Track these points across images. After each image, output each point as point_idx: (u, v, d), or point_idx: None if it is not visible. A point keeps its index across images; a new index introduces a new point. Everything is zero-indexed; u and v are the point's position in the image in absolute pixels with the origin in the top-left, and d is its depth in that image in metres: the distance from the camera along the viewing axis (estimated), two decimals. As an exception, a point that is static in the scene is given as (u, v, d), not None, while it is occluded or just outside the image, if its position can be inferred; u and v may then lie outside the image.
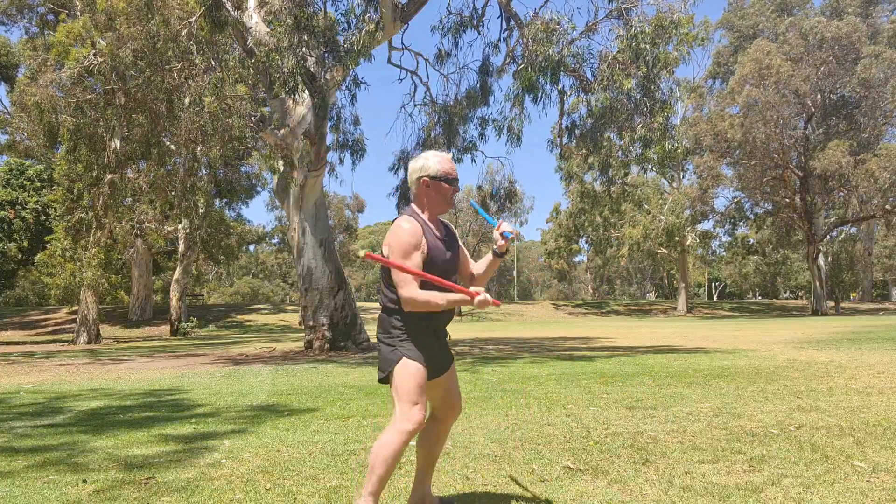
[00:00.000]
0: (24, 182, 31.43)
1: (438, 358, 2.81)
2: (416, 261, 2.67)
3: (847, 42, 33.55)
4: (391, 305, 2.76)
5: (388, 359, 2.73)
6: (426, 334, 2.76)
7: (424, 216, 2.82)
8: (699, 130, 36.27)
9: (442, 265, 2.77)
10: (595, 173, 16.47)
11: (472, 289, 2.66)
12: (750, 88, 33.76)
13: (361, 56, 12.97)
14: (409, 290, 2.63)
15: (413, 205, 2.88)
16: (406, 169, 17.58)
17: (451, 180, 2.84)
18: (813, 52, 34.12)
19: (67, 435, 5.03)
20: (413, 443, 2.92)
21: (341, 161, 17.52)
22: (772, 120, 33.77)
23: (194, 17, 13.76)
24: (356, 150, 16.50)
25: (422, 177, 2.82)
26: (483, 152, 17.17)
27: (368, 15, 12.88)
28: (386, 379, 2.76)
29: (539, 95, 13.82)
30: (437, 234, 2.83)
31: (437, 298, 2.64)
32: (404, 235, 2.69)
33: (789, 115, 34.93)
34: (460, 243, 3.00)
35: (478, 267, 2.97)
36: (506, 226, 2.85)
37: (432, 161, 2.83)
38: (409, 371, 2.68)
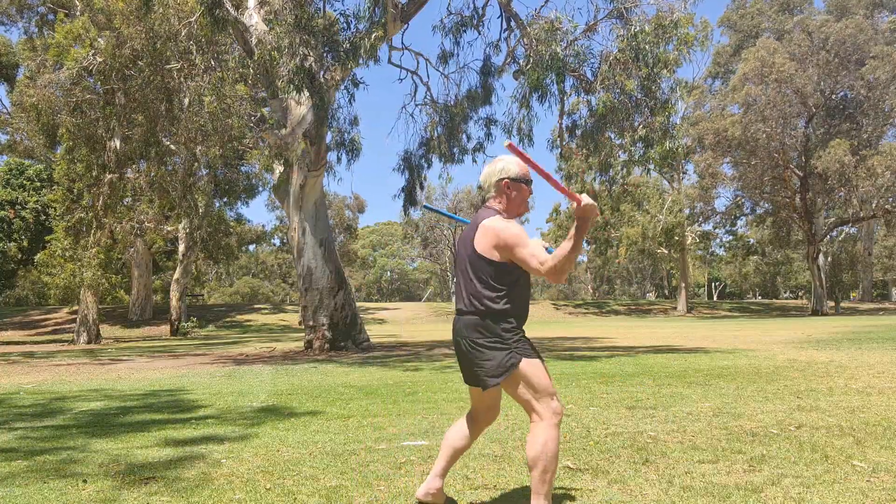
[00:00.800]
0: (24, 182, 31.44)
1: None
2: (535, 244, 2.72)
3: (852, 43, 33.53)
4: (497, 307, 2.74)
5: (505, 363, 2.73)
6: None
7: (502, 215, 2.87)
8: (699, 129, 36.27)
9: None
10: (595, 173, 16.48)
11: (577, 196, 2.62)
12: (751, 86, 33.74)
13: (370, 57, 12.99)
14: (548, 259, 2.61)
15: (492, 205, 2.88)
16: (409, 169, 17.54)
17: (529, 182, 2.90)
18: (817, 51, 34.10)
19: (67, 435, 5.03)
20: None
21: (339, 160, 17.50)
22: (772, 118, 33.76)
23: (194, 17, 13.76)
24: (351, 149, 16.49)
25: (503, 178, 2.85)
26: (485, 153, 17.16)
27: (375, 16, 12.86)
28: (487, 383, 2.77)
29: (545, 95, 13.85)
30: None
31: (567, 247, 2.59)
32: (513, 227, 2.73)
33: (790, 115, 34.93)
34: None
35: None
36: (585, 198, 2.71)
37: (513, 164, 2.87)
38: (536, 367, 2.76)
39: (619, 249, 45.25)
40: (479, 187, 2.95)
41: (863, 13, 37.30)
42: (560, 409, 2.79)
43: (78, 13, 19.88)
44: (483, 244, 2.75)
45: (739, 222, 43.01)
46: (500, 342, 2.74)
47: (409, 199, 17.19)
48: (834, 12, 38.60)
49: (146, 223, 29.34)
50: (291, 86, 12.61)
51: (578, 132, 15.24)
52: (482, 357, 2.76)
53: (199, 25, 13.68)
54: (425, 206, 3.12)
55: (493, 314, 2.75)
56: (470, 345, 2.78)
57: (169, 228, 30.56)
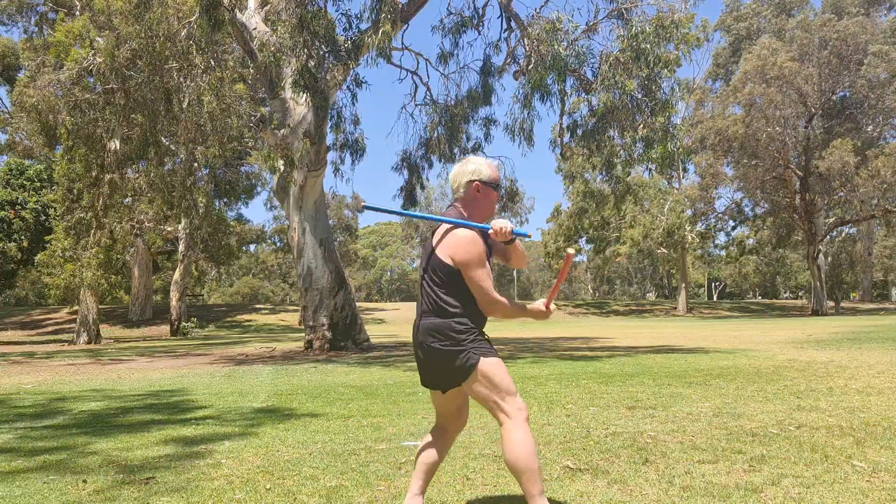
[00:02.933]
0: (24, 182, 31.43)
1: None
2: (488, 268, 2.73)
3: (853, 42, 33.51)
4: (452, 310, 2.69)
5: (462, 365, 2.66)
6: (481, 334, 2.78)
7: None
8: (700, 129, 36.27)
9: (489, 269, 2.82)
10: (596, 174, 16.48)
11: (539, 302, 2.81)
12: (752, 86, 33.73)
13: (380, 54, 12.98)
14: (496, 294, 2.71)
15: (458, 207, 2.82)
16: (409, 170, 17.51)
17: (499, 188, 2.88)
18: (818, 50, 34.08)
19: (67, 435, 5.03)
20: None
21: (342, 160, 17.50)
22: (773, 118, 33.75)
23: (193, 17, 13.76)
24: (355, 149, 16.50)
25: (474, 180, 2.79)
26: (485, 153, 17.16)
27: (385, 15, 12.83)
28: (454, 384, 2.72)
29: (546, 95, 13.85)
30: None
31: (515, 306, 2.78)
32: (478, 246, 2.68)
33: (791, 115, 34.92)
34: None
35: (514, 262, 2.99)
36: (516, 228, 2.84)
37: (485, 166, 2.83)
38: (495, 365, 2.68)
39: (621, 249, 45.27)
40: (454, 190, 2.85)
41: (856, 10, 37.27)
42: (524, 405, 2.69)
43: (77, 13, 19.89)
44: (445, 252, 2.69)
45: (739, 223, 42.96)
46: (452, 343, 2.68)
47: (409, 199, 17.18)
48: (827, 12, 38.59)
49: (146, 223, 29.34)
50: (297, 87, 12.62)
51: (579, 132, 15.24)
52: (437, 360, 2.70)
53: (197, 26, 13.68)
54: (365, 206, 2.93)
55: (448, 315, 2.69)
56: (428, 348, 2.72)
57: (169, 228, 30.54)
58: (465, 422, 2.98)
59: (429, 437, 2.93)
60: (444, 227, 2.77)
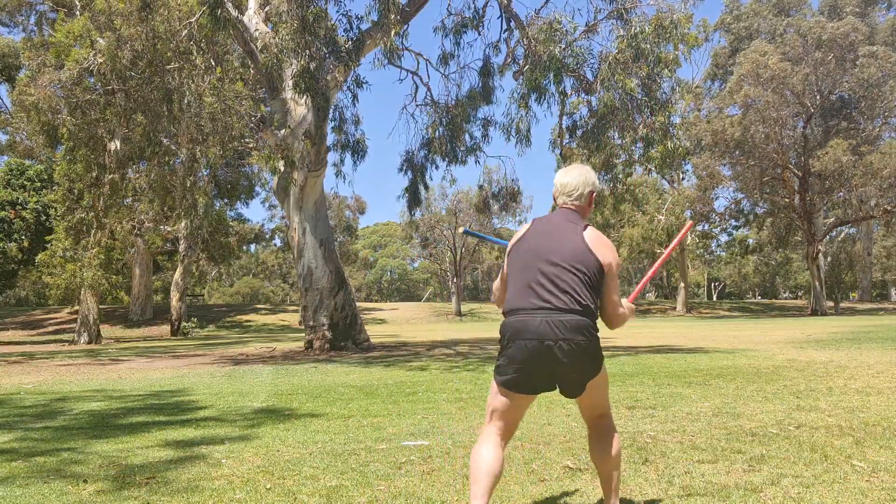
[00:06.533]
0: (24, 182, 31.43)
1: None
2: None
3: (846, 42, 33.57)
4: (595, 310, 2.71)
5: (599, 364, 2.77)
6: None
7: None
8: (699, 130, 36.27)
9: None
10: (596, 174, 16.48)
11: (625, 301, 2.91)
12: (749, 88, 33.77)
13: (387, 55, 12.99)
14: (622, 305, 2.83)
15: (576, 211, 2.84)
16: (412, 170, 17.46)
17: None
18: (811, 52, 34.14)
19: (68, 436, 5.04)
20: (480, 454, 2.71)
21: (342, 161, 17.50)
22: (770, 119, 33.78)
23: (194, 17, 13.77)
24: (357, 150, 16.50)
25: (593, 191, 2.89)
26: (485, 153, 17.15)
27: (393, 16, 12.83)
28: (582, 381, 2.73)
29: (543, 96, 13.84)
30: None
31: (627, 311, 2.90)
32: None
33: (788, 115, 34.94)
34: None
35: None
36: None
37: (595, 176, 2.95)
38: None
39: (622, 250, 45.23)
40: (566, 193, 2.84)
41: (850, 10, 37.28)
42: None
43: (77, 13, 19.88)
44: (604, 253, 2.68)
45: (743, 225, 42.96)
46: (598, 342, 2.75)
47: (414, 199, 17.18)
48: (824, 12, 38.62)
49: (146, 223, 29.34)
50: (298, 88, 12.62)
51: (579, 132, 15.24)
52: (593, 353, 2.69)
53: (198, 25, 13.69)
54: (466, 231, 3.14)
55: (592, 315, 2.69)
56: (577, 345, 2.61)
57: (169, 228, 30.54)
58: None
59: (491, 444, 2.69)
60: (565, 217, 2.79)
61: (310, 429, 5.10)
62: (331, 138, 16.11)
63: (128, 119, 16.79)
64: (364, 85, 15.53)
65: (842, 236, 47.24)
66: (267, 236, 50.07)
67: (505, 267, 2.85)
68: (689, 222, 2.93)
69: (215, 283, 63.91)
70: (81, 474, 3.81)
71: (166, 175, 18.76)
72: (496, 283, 2.97)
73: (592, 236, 2.71)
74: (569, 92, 14.85)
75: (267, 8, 14.86)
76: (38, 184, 31.54)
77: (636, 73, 13.18)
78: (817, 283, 37.41)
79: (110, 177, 19.65)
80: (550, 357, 2.59)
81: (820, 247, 38.57)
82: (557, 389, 2.74)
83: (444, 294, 73.96)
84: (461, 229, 3.11)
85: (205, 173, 24.28)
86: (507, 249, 2.85)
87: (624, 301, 2.85)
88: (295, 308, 39.86)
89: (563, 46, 13.23)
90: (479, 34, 16.01)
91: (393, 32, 12.72)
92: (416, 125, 19.14)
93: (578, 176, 2.86)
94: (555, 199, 2.90)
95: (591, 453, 2.85)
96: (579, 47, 13.78)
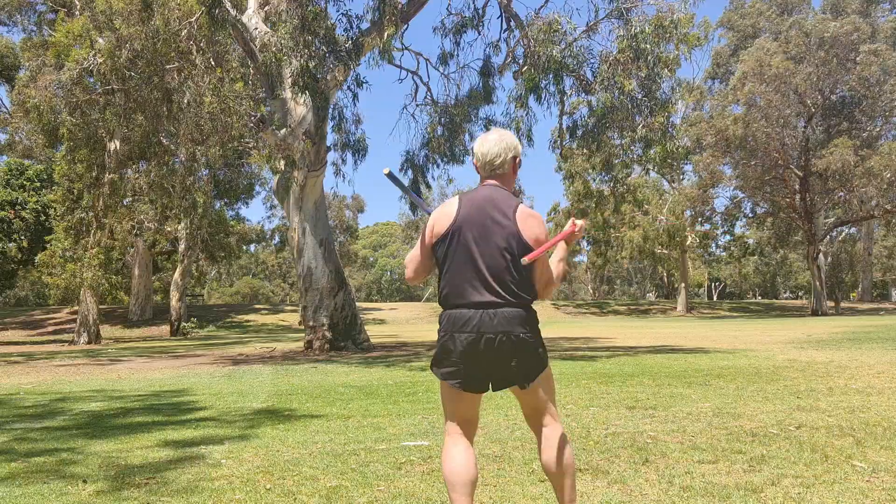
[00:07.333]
0: (24, 182, 31.44)
1: None
2: None
3: (848, 42, 33.57)
4: (531, 298, 2.49)
5: (543, 361, 2.50)
6: None
7: None
8: (699, 129, 36.27)
9: None
10: (596, 174, 16.49)
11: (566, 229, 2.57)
12: (751, 86, 33.76)
13: (383, 54, 12.99)
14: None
15: (497, 184, 2.59)
16: (414, 170, 17.47)
17: None
18: (814, 51, 34.14)
19: (67, 436, 5.03)
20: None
21: (343, 161, 17.50)
22: (772, 118, 33.78)
23: (194, 17, 13.77)
24: (357, 150, 16.50)
25: (516, 156, 2.61)
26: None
27: (388, 17, 12.83)
28: (526, 379, 2.47)
29: (542, 96, 13.84)
30: None
31: (558, 270, 2.58)
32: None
33: (790, 115, 34.94)
34: None
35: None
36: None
37: (516, 140, 2.65)
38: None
39: (622, 252, 45.25)
40: (487, 162, 2.59)
41: (853, 8, 37.27)
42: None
43: (77, 13, 19.88)
44: (533, 232, 2.46)
45: (739, 223, 43.02)
46: (539, 337, 2.50)
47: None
48: (826, 11, 38.61)
49: (146, 223, 29.34)
50: (297, 88, 12.62)
51: (579, 132, 15.25)
52: (529, 353, 2.45)
53: (198, 25, 13.69)
54: (390, 174, 2.71)
55: (529, 307, 2.49)
56: (518, 338, 2.42)
57: (169, 228, 30.54)
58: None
59: (461, 448, 2.49)
60: (492, 198, 2.52)
61: (309, 429, 5.10)
62: (331, 138, 16.12)
63: (128, 119, 16.79)
64: (364, 84, 15.52)
65: (842, 236, 47.25)
66: (267, 236, 50.09)
67: (427, 240, 2.59)
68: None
69: (215, 283, 63.95)
70: (81, 474, 3.81)
71: (166, 175, 18.77)
72: (412, 254, 2.65)
73: (522, 216, 2.48)
74: (568, 92, 14.87)
75: (266, 7, 14.85)
76: (38, 184, 31.55)
77: (636, 74, 13.18)
78: (818, 284, 37.40)
79: (110, 177, 19.66)
80: (489, 350, 2.41)
81: (821, 247, 38.57)
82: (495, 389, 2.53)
83: (444, 294, 73.75)
84: (386, 170, 2.80)
85: (204, 173, 24.30)
86: (431, 225, 2.57)
87: (552, 266, 2.58)
88: (295, 308, 39.85)
89: (563, 47, 13.23)
90: (479, 34, 16.02)
91: (386, 34, 12.72)
92: (417, 125, 19.18)
93: (500, 142, 2.59)
94: (477, 171, 2.65)
95: (540, 461, 2.55)
96: (579, 47, 13.79)
